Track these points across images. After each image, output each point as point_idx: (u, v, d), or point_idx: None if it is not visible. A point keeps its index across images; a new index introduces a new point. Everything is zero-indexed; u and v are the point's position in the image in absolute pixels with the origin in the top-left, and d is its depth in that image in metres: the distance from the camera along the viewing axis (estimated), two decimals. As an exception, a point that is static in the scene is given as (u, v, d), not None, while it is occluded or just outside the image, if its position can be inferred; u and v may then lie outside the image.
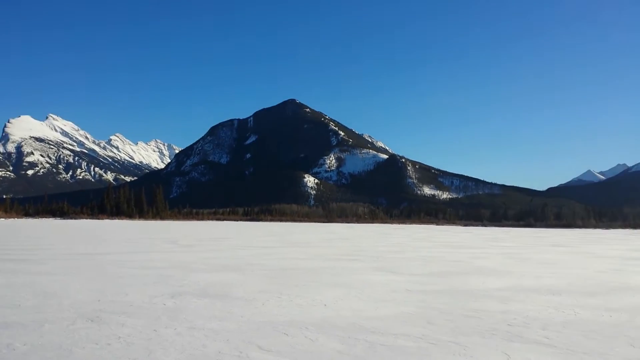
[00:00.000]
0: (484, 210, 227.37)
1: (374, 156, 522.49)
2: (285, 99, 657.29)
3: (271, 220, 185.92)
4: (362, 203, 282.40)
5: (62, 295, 10.61)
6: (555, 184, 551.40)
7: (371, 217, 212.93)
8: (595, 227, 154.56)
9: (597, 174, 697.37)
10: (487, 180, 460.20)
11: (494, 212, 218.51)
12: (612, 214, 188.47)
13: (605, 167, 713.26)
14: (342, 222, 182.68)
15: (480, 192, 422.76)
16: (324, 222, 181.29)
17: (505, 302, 10.90)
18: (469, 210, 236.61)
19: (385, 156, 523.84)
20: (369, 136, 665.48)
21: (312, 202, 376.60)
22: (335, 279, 14.29)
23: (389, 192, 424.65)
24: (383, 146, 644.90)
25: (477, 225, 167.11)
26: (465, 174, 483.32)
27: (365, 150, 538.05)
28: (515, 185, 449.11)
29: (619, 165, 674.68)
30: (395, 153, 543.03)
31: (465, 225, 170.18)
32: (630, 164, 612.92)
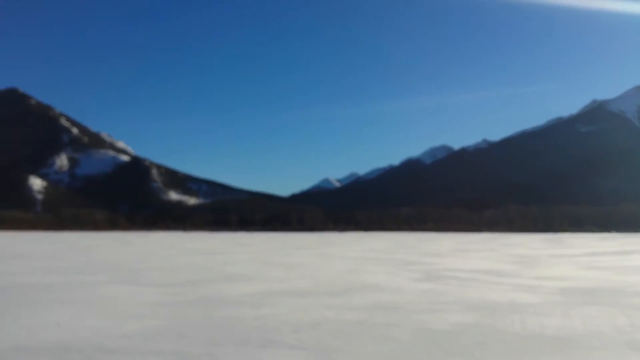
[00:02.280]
0: (232, 216, 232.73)
1: (114, 157, 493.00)
2: (5, 87, 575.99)
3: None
4: (100, 209, 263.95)
5: None
6: (297, 191, 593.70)
7: (111, 225, 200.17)
8: (333, 230, 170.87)
9: (334, 181, 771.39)
10: (234, 186, 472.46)
11: (242, 217, 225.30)
12: (347, 218, 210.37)
13: (341, 175, 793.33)
14: (76, 230, 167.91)
15: (229, 198, 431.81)
16: (55, 230, 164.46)
17: (257, 307, 11.02)
18: (217, 216, 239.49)
19: (126, 158, 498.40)
20: (108, 135, 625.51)
21: (40, 207, 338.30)
22: (69, 295, 12.77)
23: (131, 198, 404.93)
24: (124, 147, 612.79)
25: (225, 231, 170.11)
26: (215, 180, 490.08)
27: (103, 151, 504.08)
28: (261, 191, 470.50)
29: (352, 173, 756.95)
30: (138, 155, 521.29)
31: (214, 231, 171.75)
32: (361, 173, 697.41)
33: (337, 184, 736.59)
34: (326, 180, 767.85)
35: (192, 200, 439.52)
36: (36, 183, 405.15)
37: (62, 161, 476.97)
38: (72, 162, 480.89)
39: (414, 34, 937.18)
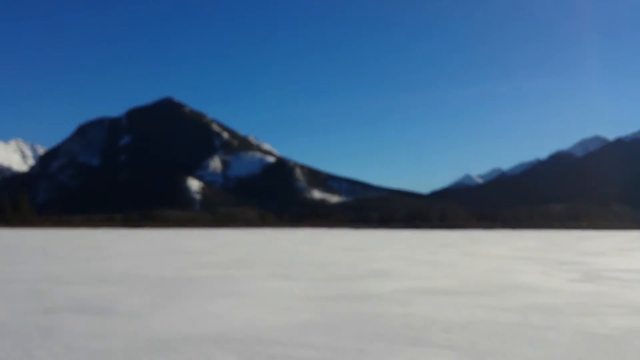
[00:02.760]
0: (373, 214, 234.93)
1: (261, 159, 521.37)
2: (162, 97, 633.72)
3: (153, 227, 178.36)
4: (250, 207, 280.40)
5: None
6: (437, 187, 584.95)
7: (261, 222, 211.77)
8: (476, 228, 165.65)
9: (476, 178, 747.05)
10: (374, 184, 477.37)
11: (383, 215, 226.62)
12: (492, 215, 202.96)
13: (483, 171, 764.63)
14: (231, 228, 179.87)
15: (369, 196, 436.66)
16: (211, 228, 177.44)
17: (405, 304, 10.96)
18: (358, 214, 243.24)
19: (272, 159, 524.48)
20: (255, 138, 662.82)
21: (198, 207, 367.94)
22: (227, 288, 13.65)
23: (278, 196, 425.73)
24: (270, 149, 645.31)
25: (367, 228, 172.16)
26: (354, 178, 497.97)
27: (251, 153, 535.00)
28: (401, 188, 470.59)
29: (494, 169, 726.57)
30: (283, 156, 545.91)
31: (356, 228, 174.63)
32: (505, 168, 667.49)
33: (479, 180, 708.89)
34: (467, 177, 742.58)
35: (334, 199, 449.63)
36: (194, 184, 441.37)
37: (215, 164, 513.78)
38: (224, 164, 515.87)
39: (578, 6, 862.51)
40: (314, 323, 8.79)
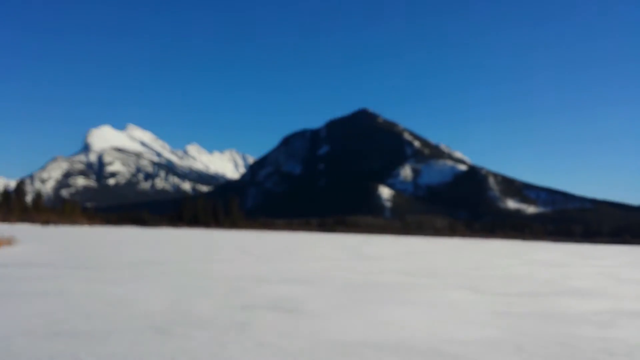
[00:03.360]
0: (575, 226, 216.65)
1: (452, 167, 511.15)
2: (357, 109, 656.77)
3: (345, 232, 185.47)
4: (440, 216, 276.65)
5: (133, 304, 10.52)
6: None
7: (450, 231, 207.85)
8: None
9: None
10: (576, 194, 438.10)
11: (587, 227, 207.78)
12: None
13: None
14: (419, 235, 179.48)
15: (571, 207, 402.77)
16: (400, 235, 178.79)
17: (605, 327, 9.79)
18: (558, 226, 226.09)
19: (464, 167, 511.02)
20: (446, 146, 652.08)
21: (388, 214, 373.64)
22: (412, 296, 13.51)
23: (469, 205, 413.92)
24: (461, 156, 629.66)
25: (567, 242, 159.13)
26: (552, 187, 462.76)
27: (442, 161, 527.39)
28: (607, 199, 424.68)
29: None
30: (475, 164, 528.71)
31: (555, 241, 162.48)
32: None
33: None
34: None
35: (530, 209, 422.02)
36: (385, 192, 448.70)
37: (406, 172, 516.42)
38: (415, 172, 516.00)
39: None
40: (499, 340, 8.24)
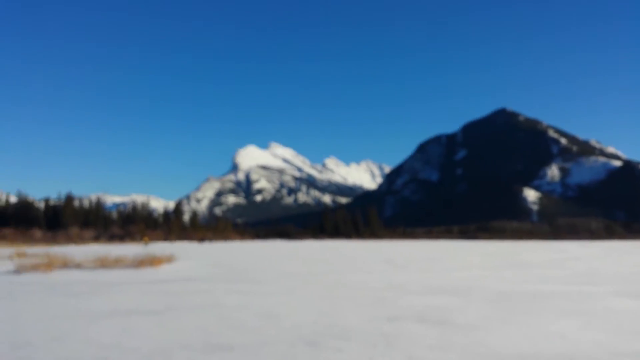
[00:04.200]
0: None
1: (605, 164, 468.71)
2: (495, 109, 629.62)
3: (489, 238, 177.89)
4: (594, 217, 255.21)
5: (282, 316, 10.82)
6: None
7: (607, 234, 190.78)
8: None
9: None
10: None
11: None
12: None
13: None
14: (572, 239, 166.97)
15: None
16: (550, 239, 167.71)
17: None
18: None
19: (618, 163, 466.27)
20: (596, 141, 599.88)
21: (535, 218, 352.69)
22: (570, 306, 12.41)
23: (626, 205, 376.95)
24: (614, 152, 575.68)
25: None
26: None
27: (593, 158, 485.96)
28: None
29: None
30: (631, 159, 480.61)
31: None
32: None
33: None
34: None
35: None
36: (530, 194, 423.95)
37: (553, 172, 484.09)
38: (563, 172, 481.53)
39: None
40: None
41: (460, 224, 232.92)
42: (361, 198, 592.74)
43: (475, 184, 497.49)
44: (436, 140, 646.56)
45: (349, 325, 9.66)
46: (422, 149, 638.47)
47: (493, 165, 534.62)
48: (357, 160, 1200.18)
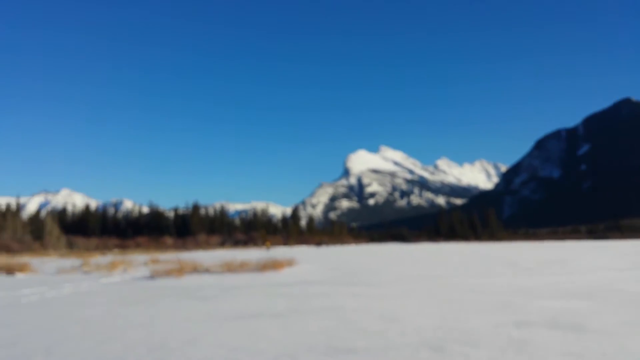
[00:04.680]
0: None
1: None
2: (618, 99, 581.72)
3: (621, 238, 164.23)
4: None
5: (404, 320, 10.73)
6: None
7: None
8: None
9: None
10: None
11: None
12: None
13: None
14: None
15: None
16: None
17: None
18: None
19: None
20: None
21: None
22: None
23: None
24: None
25: None
26: None
27: None
28: None
29: None
30: None
31: None
32: None
33: None
34: None
35: None
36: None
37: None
38: None
39: None
40: None
41: (588, 223, 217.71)
42: (477, 199, 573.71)
43: (602, 179, 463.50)
44: (555, 135, 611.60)
45: (474, 330, 9.38)
46: (541, 145, 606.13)
47: (620, 158, 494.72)
48: (471, 160, 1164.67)
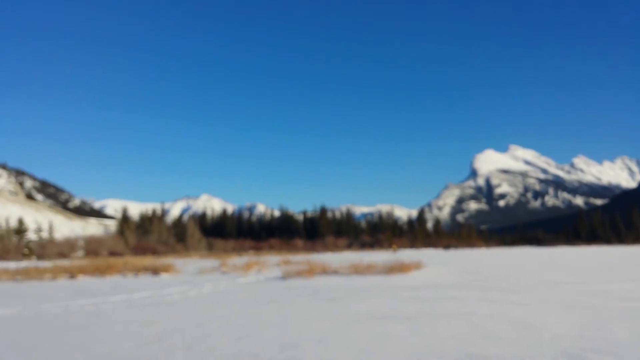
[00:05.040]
0: None
1: None
2: None
3: None
4: None
5: (541, 327, 10.30)
6: None
7: None
8: None
9: None
10: None
11: None
12: None
13: None
14: None
15: None
16: None
17: None
18: None
19: None
20: None
21: None
22: None
23: None
24: None
25: None
26: None
27: None
28: None
29: None
30: None
31: None
32: None
33: None
34: None
35: None
36: None
37: None
38: None
39: None
40: None
41: None
42: (620, 198, 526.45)
43: None
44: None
45: (618, 341, 8.80)
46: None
47: None
48: (611, 158, 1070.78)
